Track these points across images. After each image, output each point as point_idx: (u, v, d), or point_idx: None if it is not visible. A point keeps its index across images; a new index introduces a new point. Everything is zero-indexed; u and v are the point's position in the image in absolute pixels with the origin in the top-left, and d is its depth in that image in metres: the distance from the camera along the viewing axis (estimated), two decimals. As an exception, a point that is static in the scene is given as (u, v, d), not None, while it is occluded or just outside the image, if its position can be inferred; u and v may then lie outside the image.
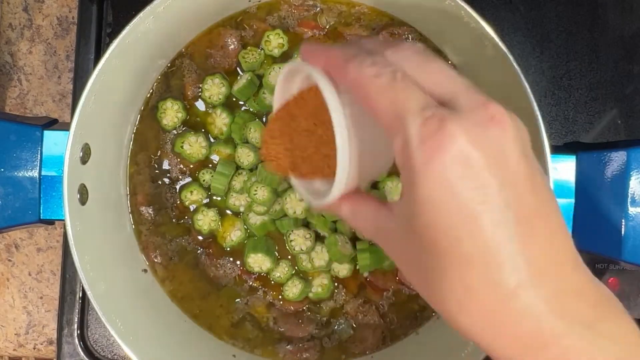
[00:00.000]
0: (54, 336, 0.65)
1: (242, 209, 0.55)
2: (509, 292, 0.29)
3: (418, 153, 0.29)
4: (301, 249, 0.55)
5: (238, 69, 0.56)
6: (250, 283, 0.56)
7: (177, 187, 0.56)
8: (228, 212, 0.56)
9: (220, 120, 0.55)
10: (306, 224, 0.55)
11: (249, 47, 0.56)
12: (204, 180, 0.55)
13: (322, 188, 0.38)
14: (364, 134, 0.34)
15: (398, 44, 0.34)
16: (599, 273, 0.62)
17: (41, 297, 0.67)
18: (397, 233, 0.33)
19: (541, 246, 0.30)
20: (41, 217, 0.49)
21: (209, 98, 0.55)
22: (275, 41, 0.55)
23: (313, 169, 0.38)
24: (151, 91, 0.56)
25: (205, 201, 0.56)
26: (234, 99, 0.56)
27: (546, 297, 0.30)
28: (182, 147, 0.55)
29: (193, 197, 0.56)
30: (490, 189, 0.29)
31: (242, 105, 0.56)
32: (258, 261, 0.55)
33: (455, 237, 0.30)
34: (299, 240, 0.55)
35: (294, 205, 0.53)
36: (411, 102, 0.30)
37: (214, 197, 0.56)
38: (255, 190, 0.53)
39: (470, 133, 0.29)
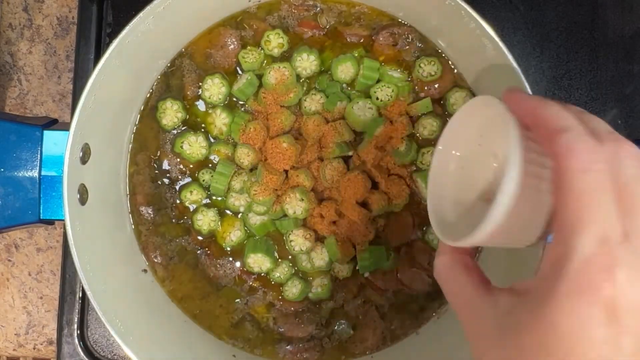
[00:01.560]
0: (54, 336, 0.65)
1: (242, 209, 0.55)
2: None
3: (568, 278, 0.27)
4: (301, 249, 0.55)
5: (238, 68, 0.56)
6: (250, 283, 0.56)
7: (177, 187, 0.56)
8: (228, 212, 0.56)
9: (220, 120, 0.55)
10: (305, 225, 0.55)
11: (248, 47, 0.56)
12: (203, 180, 0.55)
13: (458, 221, 0.36)
14: (526, 199, 0.31)
15: (624, 141, 0.31)
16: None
17: (41, 297, 0.67)
18: (488, 320, 0.31)
19: None
20: (41, 217, 0.49)
21: (209, 98, 0.55)
22: (275, 41, 0.55)
23: None
24: (151, 91, 0.56)
25: (205, 201, 0.56)
26: (235, 99, 0.56)
27: None
28: (181, 147, 0.55)
29: (193, 197, 0.56)
30: (621, 342, 0.27)
31: (243, 105, 0.56)
32: (258, 261, 0.55)
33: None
34: (298, 240, 0.55)
35: (294, 205, 0.53)
36: (595, 223, 0.28)
37: (214, 197, 0.56)
38: (255, 190, 0.53)
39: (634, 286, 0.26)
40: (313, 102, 0.55)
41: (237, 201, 0.55)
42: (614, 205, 0.28)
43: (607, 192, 0.28)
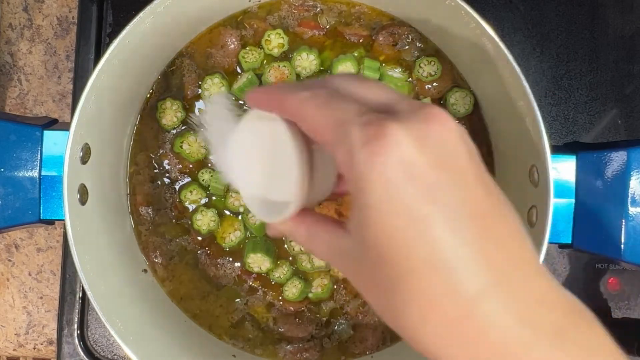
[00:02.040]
0: (54, 336, 0.65)
1: (241, 209, 0.55)
2: (469, 299, 0.27)
3: (360, 158, 0.28)
4: (300, 249, 0.55)
5: (238, 68, 0.56)
6: (250, 283, 0.56)
7: (177, 187, 0.56)
8: (227, 212, 0.56)
9: None
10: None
11: (248, 47, 0.56)
12: (203, 180, 0.55)
13: (274, 208, 0.37)
14: (311, 158, 0.34)
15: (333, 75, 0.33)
16: (599, 273, 0.62)
17: (41, 297, 0.67)
18: (352, 251, 0.31)
19: (500, 248, 0.28)
20: (41, 217, 0.49)
21: (209, 97, 0.55)
22: (275, 41, 0.55)
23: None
24: (151, 91, 0.56)
25: (204, 201, 0.56)
26: (234, 98, 0.56)
27: (510, 304, 0.27)
28: (181, 146, 0.55)
29: (192, 197, 0.56)
30: (438, 187, 0.28)
31: (242, 104, 0.56)
32: (257, 261, 0.55)
33: (406, 243, 0.28)
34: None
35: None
36: (349, 113, 0.29)
37: (213, 197, 0.56)
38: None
39: (410, 132, 0.28)
40: (313, 102, 0.55)
41: (237, 201, 0.55)
42: (351, 99, 0.31)
43: (339, 95, 0.31)
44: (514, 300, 0.28)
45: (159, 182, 0.56)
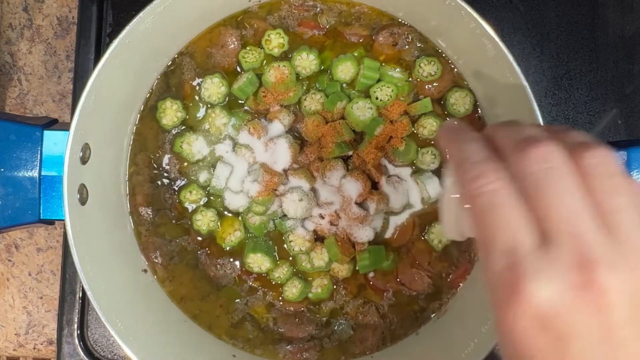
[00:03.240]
0: (54, 336, 0.65)
1: (240, 210, 0.55)
2: None
3: (495, 293, 0.28)
4: (300, 250, 0.55)
5: (238, 68, 0.56)
6: (250, 283, 0.56)
7: (176, 187, 0.56)
8: (226, 213, 0.56)
9: (219, 120, 0.55)
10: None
11: (248, 47, 0.56)
12: (202, 180, 0.55)
13: None
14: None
15: (536, 143, 0.29)
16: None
17: (41, 297, 0.67)
18: None
19: None
20: (41, 217, 0.49)
21: (208, 97, 0.55)
22: (275, 40, 0.55)
23: None
24: (151, 91, 0.56)
25: (203, 200, 0.56)
26: (234, 98, 0.56)
27: None
28: (181, 146, 0.55)
29: (192, 197, 0.56)
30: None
31: (242, 104, 0.56)
32: (257, 261, 0.55)
33: None
34: (298, 240, 0.55)
35: (293, 205, 0.53)
36: (497, 238, 0.28)
37: (212, 198, 0.56)
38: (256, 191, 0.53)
39: (554, 297, 0.26)
40: (313, 102, 0.55)
41: (234, 201, 0.55)
42: (519, 216, 0.28)
43: (508, 206, 0.28)
44: None
45: (159, 183, 0.56)
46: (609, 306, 0.26)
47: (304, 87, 0.56)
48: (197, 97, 0.56)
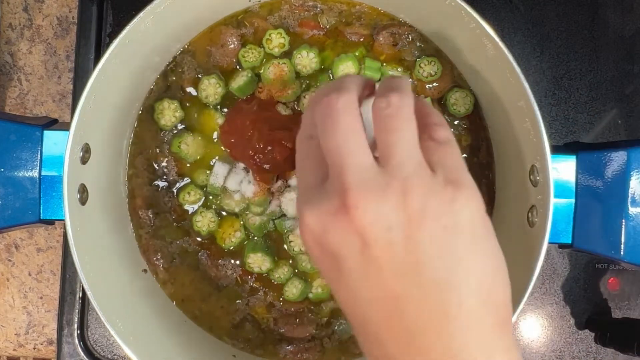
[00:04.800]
0: (54, 336, 0.65)
1: (237, 210, 0.55)
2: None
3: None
4: (300, 250, 0.55)
5: (238, 67, 0.56)
6: (251, 284, 0.56)
7: (175, 189, 0.56)
8: (224, 213, 0.56)
9: (215, 120, 0.55)
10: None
11: (248, 45, 0.55)
12: (201, 181, 0.55)
13: None
14: None
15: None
16: (599, 273, 0.62)
17: (41, 297, 0.67)
18: None
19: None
20: (41, 217, 0.49)
21: (205, 98, 0.55)
22: (276, 40, 0.55)
23: None
24: (151, 90, 0.56)
25: (203, 201, 0.56)
26: (235, 97, 0.56)
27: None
28: (179, 146, 0.55)
29: (191, 197, 0.56)
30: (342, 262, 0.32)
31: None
32: (257, 261, 0.55)
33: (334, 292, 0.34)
34: (298, 241, 0.55)
35: (293, 204, 0.53)
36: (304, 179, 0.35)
37: (210, 197, 0.56)
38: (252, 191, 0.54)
39: (318, 217, 0.32)
40: (313, 102, 0.55)
41: (231, 201, 0.55)
42: (311, 156, 0.35)
43: (304, 150, 0.36)
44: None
45: (158, 185, 0.56)
46: (362, 228, 0.30)
47: (303, 86, 0.55)
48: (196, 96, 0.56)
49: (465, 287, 0.30)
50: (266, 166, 0.52)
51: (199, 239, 0.56)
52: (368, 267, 0.31)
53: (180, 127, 0.56)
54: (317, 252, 0.32)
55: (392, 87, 0.33)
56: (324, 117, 0.33)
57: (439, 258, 0.30)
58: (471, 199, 0.31)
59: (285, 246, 0.55)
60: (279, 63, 0.54)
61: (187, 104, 0.56)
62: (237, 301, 0.56)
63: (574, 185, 0.49)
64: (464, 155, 0.56)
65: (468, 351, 0.30)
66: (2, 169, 0.48)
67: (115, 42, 0.46)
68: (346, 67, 0.55)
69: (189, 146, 0.55)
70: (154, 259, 0.56)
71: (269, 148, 0.51)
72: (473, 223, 0.31)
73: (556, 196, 0.45)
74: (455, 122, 0.56)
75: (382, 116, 0.32)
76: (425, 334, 0.30)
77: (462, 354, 0.30)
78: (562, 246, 0.50)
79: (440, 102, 0.56)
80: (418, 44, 0.56)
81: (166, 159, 0.56)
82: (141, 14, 0.47)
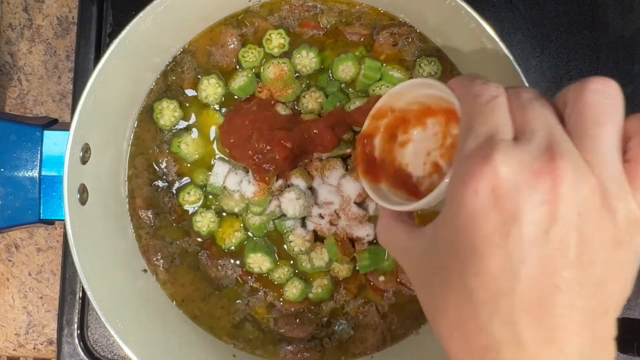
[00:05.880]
0: (54, 336, 0.65)
1: (236, 210, 0.55)
2: (493, 341, 0.29)
3: (461, 171, 0.30)
4: (300, 250, 0.55)
5: (237, 67, 0.56)
6: (251, 284, 0.56)
7: (175, 189, 0.56)
8: (224, 213, 0.56)
9: (215, 120, 0.55)
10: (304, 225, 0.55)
11: (248, 45, 0.56)
12: (200, 180, 0.55)
13: (389, 195, 0.42)
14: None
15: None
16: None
17: (41, 297, 0.67)
18: (419, 252, 0.34)
19: (568, 325, 0.29)
20: (41, 217, 0.49)
21: (205, 98, 0.55)
22: (276, 40, 0.55)
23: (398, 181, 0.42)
24: (151, 90, 0.56)
25: (202, 200, 0.56)
26: (234, 97, 0.56)
27: None
28: (178, 146, 0.55)
29: (191, 197, 0.56)
30: (526, 224, 0.29)
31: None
32: (257, 261, 0.55)
33: (475, 256, 0.29)
34: (298, 241, 0.55)
35: (292, 204, 0.53)
36: (479, 126, 0.31)
37: (210, 197, 0.56)
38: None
39: (516, 172, 0.29)
40: (311, 100, 0.55)
41: (231, 201, 0.55)
42: (504, 115, 0.32)
43: (498, 107, 0.32)
44: None
45: (158, 186, 0.56)
46: (560, 198, 0.28)
47: (303, 85, 0.56)
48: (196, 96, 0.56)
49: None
50: (265, 166, 0.52)
51: (199, 239, 0.56)
52: (545, 244, 0.28)
53: (179, 126, 0.56)
54: (487, 203, 0.29)
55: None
56: (529, 101, 0.32)
57: (605, 265, 0.29)
58: None
59: (285, 246, 0.55)
60: (278, 63, 0.54)
61: (187, 104, 0.56)
62: (237, 301, 0.56)
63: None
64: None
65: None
66: (2, 169, 0.48)
67: (115, 42, 0.46)
68: (346, 67, 0.55)
69: (189, 146, 0.55)
70: (154, 259, 0.56)
71: (268, 148, 0.51)
72: None
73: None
74: (455, 122, 0.56)
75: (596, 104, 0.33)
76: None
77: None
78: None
79: (440, 102, 0.56)
80: (418, 44, 0.56)
81: (166, 159, 0.56)
82: (141, 14, 0.47)
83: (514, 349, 0.29)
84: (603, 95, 0.33)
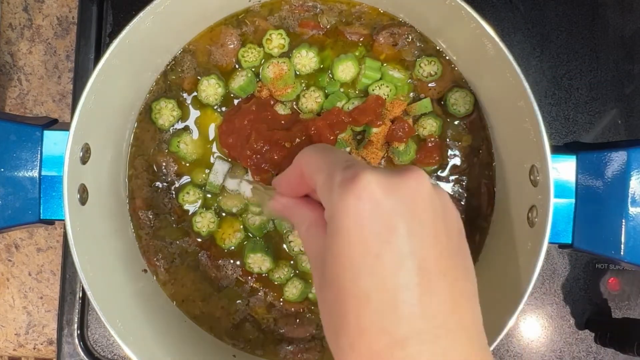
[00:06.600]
0: (54, 336, 0.65)
1: (234, 210, 0.55)
2: (397, 340, 0.30)
3: (336, 190, 0.32)
4: (300, 250, 0.55)
5: (237, 67, 0.56)
6: (251, 284, 0.56)
7: (174, 190, 0.56)
8: (224, 214, 0.56)
9: (215, 120, 0.55)
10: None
11: (248, 45, 0.56)
12: (200, 180, 0.55)
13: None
14: None
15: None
16: (599, 273, 0.62)
17: (41, 297, 0.67)
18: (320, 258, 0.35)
19: (441, 305, 0.31)
20: (41, 217, 0.49)
21: (206, 99, 0.55)
22: (276, 41, 0.55)
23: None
24: (151, 90, 0.56)
25: (201, 200, 0.56)
26: (233, 97, 0.56)
27: (431, 357, 0.30)
28: (178, 146, 0.55)
29: (190, 197, 0.56)
30: (396, 232, 0.31)
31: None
32: (257, 261, 0.55)
33: (357, 270, 0.31)
34: (298, 241, 0.55)
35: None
36: (338, 159, 0.34)
37: (209, 197, 0.56)
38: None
39: (383, 180, 0.32)
40: (311, 100, 0.55)
41: (230, 201, 0.55)
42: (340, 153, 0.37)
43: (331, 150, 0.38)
44: (437, 355, 0.30)
45: (158, 186, 0.56)
46: (423, 194, 0.32)
47: (303, 85, 0.56)
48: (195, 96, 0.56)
49: None
50: (264, 166, 0.52)
51: (199, 240, 0.56)
52: (419, 231, 0.31)
53: (178, 126, 0.56)
54: (370, 213, 0.31)
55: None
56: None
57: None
58: None
59: (285, 246, 0.55)
60: (278, 62, 0.54)
61: (186, 104, 0.56)
62: (237, 301, 0.56)
63: (574, 185, 0.49)
64: (464, 155, 0.56)
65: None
66: (2, 169, 0.48)
67: (115, 42, 0.46)
68: (346, 67, 0.55)
69: (188, 145, 0.55)
70: (154, 259, 0.56)
71: (267, 148, 0.51)
72: None
73: (556, 196, 0.45)
74: (455, 122, 0.56)
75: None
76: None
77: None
78: (562, 246, 0.50)
79: (440, 102, 0.56)
80: (418, 44, 0.56)
81: (165, 159, 0.56)
82: (141, 14, 0.47)
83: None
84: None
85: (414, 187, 0.32)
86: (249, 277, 0.56)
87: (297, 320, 0.56)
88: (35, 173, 0.48)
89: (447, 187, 0.56)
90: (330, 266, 0.32)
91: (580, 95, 0.63)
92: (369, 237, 0.31)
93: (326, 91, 0.55)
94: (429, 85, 0.55)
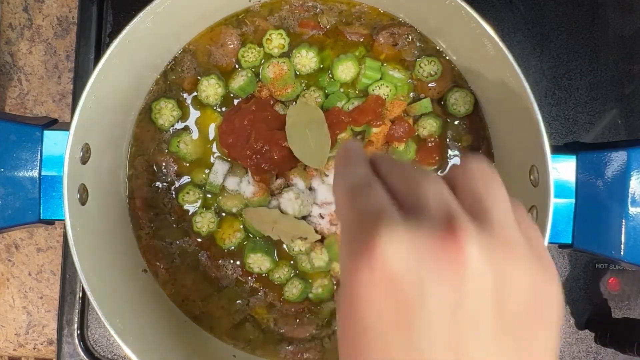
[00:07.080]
0: (54, 336, 0.65)
1: (234, 210, 0.55)
2: None
3: (345, 262, 0.26)
4: (300, 250, 0.55)
5: (237, 67, 0.56)
6: (251, 284, 0.56)
7: (174, 190, 0.56)
8: (224, 214, 0.56)
9: (215, 119, 0.55)
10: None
11: (248, 44, 0.56)
12: (200, 180, 0.55)
13: None
14: None
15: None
16: (599, 273, 0.62)
17: (41, 297, 0.67)
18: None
19: None
20: (41, 217, 0.49)
21: (206, 99, 0.55)
22: (276, 41, 0.55)
23: None
24: (151, 89, 0.56)
25: (201, 200, 0.56)
26: (233, 96, 0.56)
27: None
28: (178, 146, 0.55)
29: (190, 197, 0.56)
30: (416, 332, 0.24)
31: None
32: (257, 261, 0.55)
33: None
34: (298, 241, 0.54)
35: (292, 204, 0.53)
36: (363, 204, 0.27)
37: (209, 196, 0.56)
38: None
39: (411, 250, 0.24)
40: (310, 100, 0.55)
41: (230, 201, 0.55)
42: (386, 193, 0.28)
43: (379, 187, 0.28)
44: None
45: (158, 186, 0.56)
46: (468, 278, 0.24)
47: (303, 85, 0.56)
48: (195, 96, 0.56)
49: None
50: (264, 166, 0.52)
51: (199, 240, 0.56)
52: (452, 329, 0.24)
53: (178, 126, 0.56)
54: (378, 293, 0.24)
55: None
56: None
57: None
58: None
59: (285, 246, 0.55)
60: (278, 62, 0.54)
61: (186, 104, 0.56)
62: (238, 301, 0.56)
63: (574, 185, 0.49)
64: (464, 155, 0.56)
65: None
66: (2, 169, 0.48)
67: (115, 42, 0.46)
68: (346, 67, 0.55)
69: (188, 145, 0.55)
70: (154, 259, 0.56)
71: (267, 148, 0.51)
72: None
73: (556, 196, 0.45)
74: (456, 122, 0.56)
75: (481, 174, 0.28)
76: None
77: None
78: (562, 246, 0.50)
79: (440, 102, 0.56)
80: (418, 44, 0.56)
81: (165, 159, 0.56)
82: (141, 14, 0.47)
83: None
84: (487, 165, 0.28)
85: (455, 280, 0.24)
86: (249, 277, 0.56)
87: (297, 320, 0.56)
88: (35, 173, 0.48)
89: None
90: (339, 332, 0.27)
91: (580, 95, 0.63)
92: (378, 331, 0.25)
93: (326, 91, 0.55)
94: (429, 85, 0.55)
